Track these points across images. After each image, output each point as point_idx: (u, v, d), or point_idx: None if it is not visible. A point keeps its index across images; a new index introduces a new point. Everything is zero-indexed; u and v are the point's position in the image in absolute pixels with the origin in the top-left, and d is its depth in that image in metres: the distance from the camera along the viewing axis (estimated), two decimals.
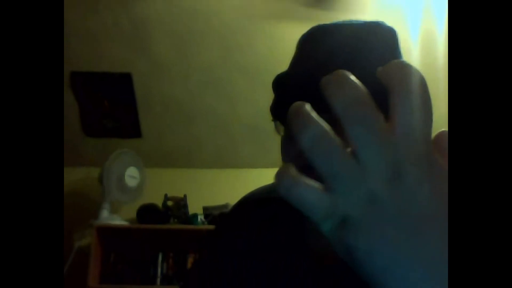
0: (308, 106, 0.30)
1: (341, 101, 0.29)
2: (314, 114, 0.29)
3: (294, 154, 0.58)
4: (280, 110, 0.65)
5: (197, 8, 2.65)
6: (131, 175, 3.09)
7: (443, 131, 0.34)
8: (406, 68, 0.30)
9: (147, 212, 3.09)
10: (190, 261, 3.04)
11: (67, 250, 2.95)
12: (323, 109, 0.32)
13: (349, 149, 0.29)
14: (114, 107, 3.11)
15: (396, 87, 0.30)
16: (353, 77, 0.30)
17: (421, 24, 2.59)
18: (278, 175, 0.30)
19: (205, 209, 3.10)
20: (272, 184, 0.82)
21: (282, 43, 2.69)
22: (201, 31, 2.75)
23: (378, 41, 0.65)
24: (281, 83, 0.66)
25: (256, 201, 0.79)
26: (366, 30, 0.66)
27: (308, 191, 0.29)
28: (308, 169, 0.31)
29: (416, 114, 0.29)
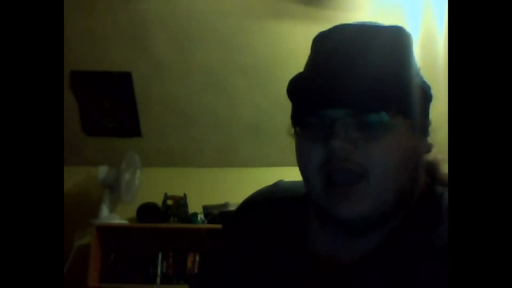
0: None
1: None
2: None
3: (322, 162, 0.63)
4: (302, 115, 0.66)
5: (197, 8, 2.64)
6: (139, 177, 3.10)
7: None
8: None
9: (147, 211, 3.08)
10: (190, 260, 3.04)
11: (67, 250, 2.95)
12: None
13: None
14: (114, 107, 3.11)
15: None
16: None
17: (421, 24, 2.59)
18: None
19: (205, 208, 3.09)
20: (274, 184, 0.82)
21: (282, 43, 2.68)
22: (201, 31, 2.75)
23: (391, 45, 0.66)
24: (297, 89, 0.66)
25: (259, 203, 0.80)
26: (383, 34, 0.67)
27: None
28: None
29: None
